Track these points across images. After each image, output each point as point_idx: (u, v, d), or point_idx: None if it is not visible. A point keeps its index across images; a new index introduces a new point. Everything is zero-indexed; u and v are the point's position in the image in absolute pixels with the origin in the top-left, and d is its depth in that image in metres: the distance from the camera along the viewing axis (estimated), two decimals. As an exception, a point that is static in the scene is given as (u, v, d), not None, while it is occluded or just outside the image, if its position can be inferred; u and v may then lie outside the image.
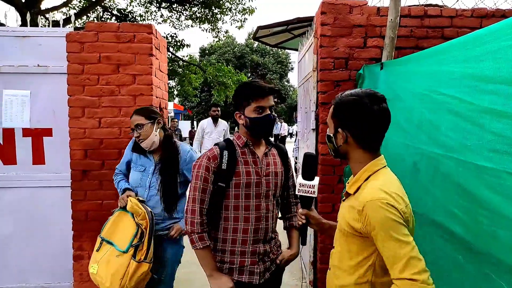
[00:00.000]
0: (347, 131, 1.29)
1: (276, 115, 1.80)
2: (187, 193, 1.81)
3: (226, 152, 1.69)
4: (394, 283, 1.13)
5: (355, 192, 1.29)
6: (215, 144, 1.77)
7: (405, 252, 1.11)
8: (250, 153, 1.74)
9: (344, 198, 1.39)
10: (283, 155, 1.88)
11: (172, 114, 26.84)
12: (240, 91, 1.73)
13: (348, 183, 1.40)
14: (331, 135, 1.34)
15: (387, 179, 1.26)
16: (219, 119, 6.33)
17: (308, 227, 1.59)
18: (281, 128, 18.53)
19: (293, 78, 32.39)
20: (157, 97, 3.24)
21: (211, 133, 6.20)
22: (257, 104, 1.66)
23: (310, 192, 1.49)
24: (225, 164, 1.67)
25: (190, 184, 1.73)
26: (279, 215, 1.95)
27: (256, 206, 1.71)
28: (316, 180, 1.50)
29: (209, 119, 6.37)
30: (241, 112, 1.71)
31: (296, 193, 1.53)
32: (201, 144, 6.28)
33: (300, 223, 1.55)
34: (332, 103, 1.35)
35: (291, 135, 20.11)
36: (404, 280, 1.10)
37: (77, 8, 11.44)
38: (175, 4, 11.84)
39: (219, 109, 6.35)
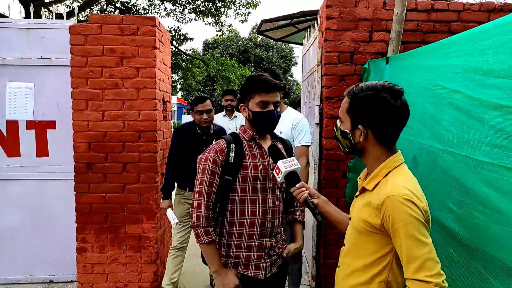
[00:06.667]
0: (368, 128, 1.22)
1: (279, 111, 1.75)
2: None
3: (233, 145, 1.66)
4: (407, 284, 1.10)
5: (373, 188, 1.24)
6: (221, 137, 1.73)
7: (422, 252, 1.07)
8: (257, 146, 1.72)
9: (357, 194, 1.34)
10: (288, 149, 1.86)
11: (175, 108, 26.85)
12: (246, 83, 1.70)
13: (360, 178, 1.37)
14: (348, 131, 1.27)
15: (408, 177, 1.22)
16: (235, 112, 4.41)
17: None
18: None
19: (296, 72, 32.32)
20: (160, 90, 3.23)
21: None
22: (260, 98, 1.63)
23: (293, 164, 1.52)
24: (233, 157, 1.64)
25: (196, 177, 1.69)
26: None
27: (263, 199, 1.69)
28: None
29: (221, 114, 4.41)
30: (246, 105, 1.69)
31: (284, 170, 1.48)
32: None
33: (304, 196, 1.44)
34: (348, 98, 1.27)
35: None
36: (417, 281, 1.07)
37: (80, 1, 11.41)
38: (179, -3, 11.79)
39: (232, 97, 4.35)
